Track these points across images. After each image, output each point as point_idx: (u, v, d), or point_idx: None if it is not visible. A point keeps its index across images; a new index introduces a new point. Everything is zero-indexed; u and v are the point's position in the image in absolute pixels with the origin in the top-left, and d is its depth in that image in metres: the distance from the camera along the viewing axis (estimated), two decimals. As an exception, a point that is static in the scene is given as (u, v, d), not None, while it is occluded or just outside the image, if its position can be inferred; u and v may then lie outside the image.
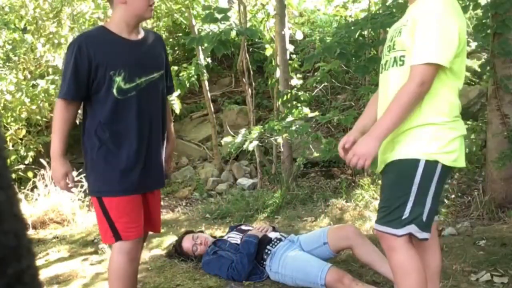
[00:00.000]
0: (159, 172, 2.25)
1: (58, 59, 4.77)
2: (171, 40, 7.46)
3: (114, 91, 2.03)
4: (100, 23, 4.90)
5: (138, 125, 2.09)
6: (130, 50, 2.09)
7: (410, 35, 1.79)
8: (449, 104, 1.82)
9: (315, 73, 5.90)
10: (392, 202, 1.83)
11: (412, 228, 1.79)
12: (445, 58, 1.73)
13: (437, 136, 1.79)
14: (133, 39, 2.11)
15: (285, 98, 4.62)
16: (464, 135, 1.89)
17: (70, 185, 2.09)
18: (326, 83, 6.17)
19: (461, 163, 1.87)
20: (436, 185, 1.81)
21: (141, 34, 2.16)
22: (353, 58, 3.80)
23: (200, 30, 6.21)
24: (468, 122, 5.08)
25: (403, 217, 1.79)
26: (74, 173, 2.18)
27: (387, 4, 4.00)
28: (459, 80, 1.86)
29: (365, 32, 4.66)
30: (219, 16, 3.55)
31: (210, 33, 3.75)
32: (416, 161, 1.78)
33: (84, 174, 2.29)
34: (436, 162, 1.78)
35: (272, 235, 2.95)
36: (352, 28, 3.71)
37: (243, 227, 3.23)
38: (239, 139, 4.60)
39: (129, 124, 2.08)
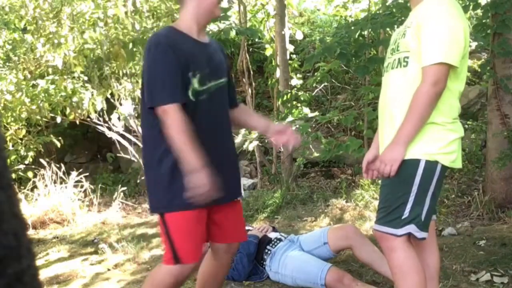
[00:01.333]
0: (232, 183, 2.06)
1: (58, 59, 4.77)
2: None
3: (190, 93, 1.88)
4: (100, 23, 4.90)
5: (209, 131, 1.94)
6: (202, 52, 1.97)
7: (416, 37, 1.80)
8: (450, 105, 1.83)
9: (315, 73, 5.90)
10: (392, 202, 1.84)
11: (411, 228, 1.80)
12: (455, 58, 1.75)
13: (437, 137, 1.80)
14: (202, 41, 1.99)
15: (285, 98, 4.62)
16: (462, 137, 1.90)
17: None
18: (326, 83, 6.17)
19: (459, 164, 1.89)
20: (435, 185, 1.82)
21: (206, 38, 2.05)
22: (353, 58, 3.80)
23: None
24: (468, 122, 5.08)
25: (403, 217, 1.80)
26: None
27: (387, 4, 4.00)
28: (461, 82, 1.87)
29: (365, 32, 4.66)
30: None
31: (210, 33, 3.75)
32: (417, 161, 1.79)
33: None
34: (436, 162, 1.79)
35: (272, 235, 2.95)
36: (352, 28, 3.72)
37: (243, 227, 3.23)
38: (239, 139, 4.60)
39: (201, 130, 1.89)
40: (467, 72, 1.92)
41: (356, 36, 3.80)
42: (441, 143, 1.80)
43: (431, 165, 1.79)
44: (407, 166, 1.80)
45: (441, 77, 1.73)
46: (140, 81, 5.14)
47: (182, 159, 1.80)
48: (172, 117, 1.81)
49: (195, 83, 1.90)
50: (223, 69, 2.07)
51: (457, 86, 1.85)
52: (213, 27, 4.00)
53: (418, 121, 1.77)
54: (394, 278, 1.88)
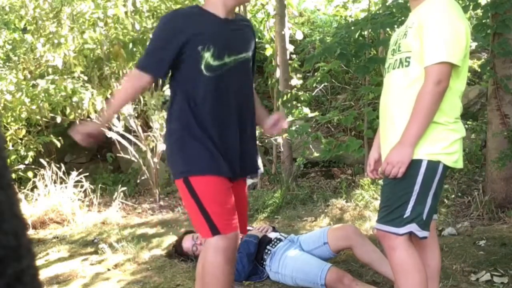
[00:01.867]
0: (250, 160, 2.06)
1: (58, 59, 4.77)
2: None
3: (202, 67, 1.90)
4: (100, 23, 4.90)
5: (229, 105, 1.95)
6: (222, 27, 1.95)
7: (417, 37, 1.80)
8: (452, 105, 1.84)
9: (315, 73, 5.90)
10: (394, 201, 1.85)
11: (413, 227, 1.81)
12: (458, 57, 1.75)
13: (440, 137, 1.81)
14: (228, 18, 1.99)
15: (285, 98, 4.62)
16: (463, 137, 1.91)
17: None
18: (326, 83, 6.17)
19: (461, 164, 1.90)
20: (437, 185, 1.83)
21: (233, 16, 2.05)
22: (353, 59, 3.80)
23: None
24: (468, 122, 5.08)
25: (405, 216, 1.81)
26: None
27: (387, 4, 4.00)
28: (462, 81, 1.88)
29: (365, 32, 4.66)
30: None
31: None
32: (419, 161, 1.80)
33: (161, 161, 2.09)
34: (439, 162, 1.80)
35: (272, 235, 2.95)
36: (352, 28, 3.72)
37: (243, 227, 3.23)
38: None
39: (220, 104, 1.93)
40: (467, 72, 1.93)
41: (356, 36, 3.81)
42: (444, 143, 1.81)
43: (433, 165, 1.80)
44: (409, 166, 1.81)
45: (444, 76, 1.74)
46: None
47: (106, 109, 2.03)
48: (131, 80, 1.99)
49: (208, 57, 1.89)
50: (247, 45, 2.05)
51: (459, 86, 1.86)
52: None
53: (423, 121, 1.77)
54: (395, 277, 1.89)
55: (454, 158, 1.83)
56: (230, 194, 1.92)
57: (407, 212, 1.80)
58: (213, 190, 1.87)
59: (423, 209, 1.81)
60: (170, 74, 2.00)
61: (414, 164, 1.80)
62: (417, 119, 1.77)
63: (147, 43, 1.98)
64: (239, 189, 2.07)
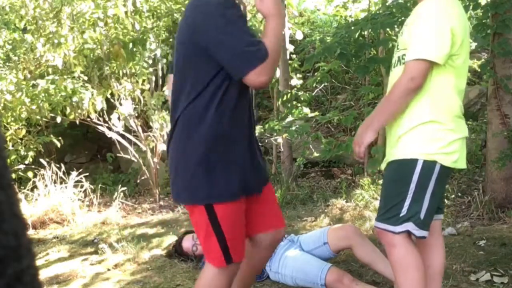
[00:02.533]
0: (264, 167, 1.92)
1: (58, 59, 4.77)
2: (171, 40, 7.46)
3: None
4: (100, 23, 4.90)
5: (246, 114, 1.76)
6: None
7: (410, 35, 1.84)
8: (449, 103, 1.84)
9: (315, 73, 5.90)
10: (391, 199, 1.87)
11: (409, 226, 1.81)
12: (435, 55, 1.76)
13: (437, 137, 1.81)
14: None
15: (285, 98, 4.62)
16: (465, 137, 1.91)
17: None
18: (326, 83, 6.17)
19: (462, 164, 1.90)
20: (435, 184, 1.82)
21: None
22: (353, 59, 3.80)
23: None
24: (468, 122, 5.08)
25: (401, 215, 1.82)
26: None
27: (387, 4, 4.00)
28: (461, 79, 1.88)
29: (365, 32, 4.66)
30: None
31: None
32: (414, 161, 1.81)
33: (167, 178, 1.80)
34: (435, 162, 1.80)
35: (272, 235, 2.95)
36: (352, 28, 3.72)
37: (243, 227, 3.23)
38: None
39: (243, 114, 1.73)
40: (467, 71, 1.93)
41: (356, 36, 3.81)
42: (441, 143, 1.81)
43: (429, 164, 1.80)
44: (405, 165, 1.83)
45: (418, 73, 1.76)
46: (140, 80, 5.17)
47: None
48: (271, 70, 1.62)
49: None
50: None
51: (458, 83, 1.86)
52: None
53: (388, 112, 1.86)
54: (394, 274, 1.90)
55: (453, 158, 1.83)
56: (244, 216, 1.78)
57: (403, 211, 1.82)
58: (234, 216, 1.72)
59: (420, 208, 1.82)
60: (193, 75, 1.69)
61: (410, 163, 1.81)
62: (384, 108, 1.87)
63: (225, 40, 1.59)
64: (270, 193, 1.94)
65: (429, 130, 1.81)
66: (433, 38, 1.76)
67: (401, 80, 1.79)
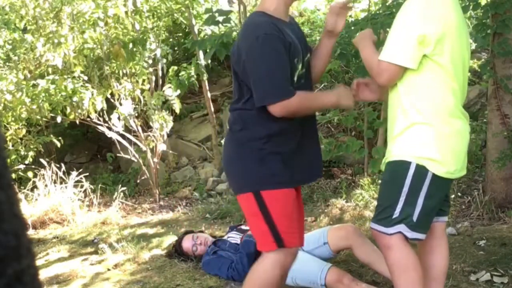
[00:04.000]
0: (319, 161, 2.01)
1: (57, 58, 4.76)
2: (171, 40, 7.47)
3: (295, 78, 1.83)
4: (100, 23, 4.90)
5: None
6: (295, 34, 1.86)
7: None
8: (439, 102, 1.82)
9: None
10: (384, 201, 1.87)
11: (401, 228, 1.81)
12: (400, 57, 1.78)
13: (427, 142, 1.79)
14: (289, 21, 1.89)
15: (285, 98, 4.60)
16: (465, 138, 1.89)
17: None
18: (326, 83, 6.17)
19: (460, 171, 1.88)
20: (429, 187, 1.80)
21: (287, 17, 1.92)
22: (353, 59, 3.80)
23: (200, 30, 6.22)
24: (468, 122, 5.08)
25: (393, 216, 1.82)
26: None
27: (387, 4, 4.00)
28: (453, 77, 1.85)
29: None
30: (220, 18, 3.55)
31: (212, 36, 3.75)
32: (408, 163, 1.80)
33: (222, 171, 1.95)
34: (426, 168, 1.79)
35: (272, 235, 2.95)
36: (352, 28, 3.71)
37: (243, 227, 3.23)
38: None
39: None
40: (459, 69, 1.89)
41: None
42: (431, 149, 1.79)
43: (421, 168, 1.79)
44: (399, 167, 1.82)
45: (385, 74, 1.82)
46: (140, 80, 5.17)
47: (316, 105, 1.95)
48: (289, 110, 1.76)
49: (300, 68, 1.84)
50: (306, 43, 2.00)
51: (449, 81, 1.84)
52: (213, 27, 4.00)
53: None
54: (391, 275, 1.89)
55: (448, 168, 1.81)
56: (296, 205, 1.89)
57: (396, 213, 1.82)
58: (284, 203, 1.81)
59: (412, 210, 1.80)
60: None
61: (403, 166, 1.80)
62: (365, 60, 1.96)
63: (257, 76, 1.76)
64: (298, 195, 2.02)
65: (423, 132, 1.79)
66: (398, 41, 1.80)
67: (372, 70, 1.88)
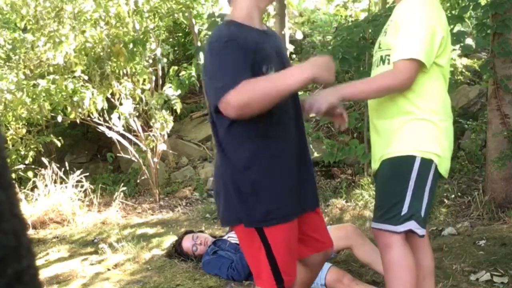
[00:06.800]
0: (314, 184, 1.82)
1: (59, 57, 4.76)
2: (171, 40, 7.47)
3: None
4: (101, 23, 4.90)
5: (292, 126, 1.68)
6: (269, 42, 1.68)
7: (394, 34, 1.81)
8: (442, 102, 1.83)
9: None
10: (390, 199, 1.83)
11: (412, 225, 1.78)
12: (427, 56, 1.73)
13: (432, 137, 1.80)
14: (263, 29, 1.70)
15: (285, 98, 4.61)
16: (451, 137, 1.89)
17: None
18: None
19: (445, 173, 1.88)
20: (432, 181, 1.81)
21: (263, 26, 1.74)
22: (353, 60, 3.80)
23: (200, 30, 6.22)
24: (468, 122, 5.08)
25: (402, 213, 1.78)
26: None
27: (388, 5, 4.00)
28: (446, 80, 1.87)
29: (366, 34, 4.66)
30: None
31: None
32: (413, 158, 1.78)
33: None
34: (431, 161, 1.79)
35: (272, 235, 2.95)
36: (354, 30, 3.72)
37: (243, 227, 3.23)
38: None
39: (286, 129, 1.65)
40: (466, 72, 1.92)
41: (358, 39, 3.80)
42: (435, 144, 1.80)
43: (426, 161, 1.79)
44: (403, 162, 1.80)
45: (411, 74, 1.73)
46: (141, 80, 5.17)
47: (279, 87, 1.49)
48: (239, 103, 1.46)
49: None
50: (286, 56, 1.84)
51: (444, 82, 1.85)
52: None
53: (365, 94, 1.82)
54: (386, 274, 1.85)
55: (444, 166, 1.83)
56: (297, 236, 1.71)
57: (405, 209, 1.78)
58: (287, 238, 1.63)
59: (420, 205, 1.79)
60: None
61: (408, 161, 1.79)
62: (361, 87, 1.80)
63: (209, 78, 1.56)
64: (318, 213, 1.88)
65: (423, 127, 1.79)
66: (424, 38, 1.73)
67: (388, 75, 1.76)
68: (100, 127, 5.16)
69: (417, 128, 1.80)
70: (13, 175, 5.00)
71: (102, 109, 4.99)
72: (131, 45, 4.95)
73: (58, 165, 4.99)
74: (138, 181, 5.79)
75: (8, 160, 4.77)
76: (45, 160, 5.06)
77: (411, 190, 1.78)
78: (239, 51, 1.52)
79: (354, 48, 3.73)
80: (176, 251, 3.21)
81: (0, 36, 5.50)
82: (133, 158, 5.32)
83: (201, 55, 5.63)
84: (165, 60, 5.70)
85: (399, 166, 1.81)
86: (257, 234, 1.60)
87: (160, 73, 6.14)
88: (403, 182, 1.79)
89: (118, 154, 5.73)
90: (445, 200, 4.03)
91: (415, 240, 1.92)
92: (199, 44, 5.86)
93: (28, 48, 5.13)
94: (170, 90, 5.33)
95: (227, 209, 1.63)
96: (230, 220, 1.68)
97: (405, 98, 1.81)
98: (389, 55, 1.83)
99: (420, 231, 1.79)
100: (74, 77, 4.99)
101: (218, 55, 1.54)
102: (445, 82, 1.86)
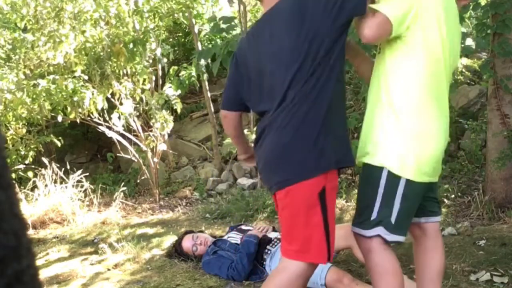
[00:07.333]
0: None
1: (59, 56, 4.76)
2: (171, 40, 7.47)
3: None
4: (101, 23, 4.90)
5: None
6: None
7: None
8: (418, 85, 1.74)
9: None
10: (362, 203, 1.84)
11: (380, 230, 1.76)
12: (392, 12, 1.68)
13: (403, 146, 1.74)
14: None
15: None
16: (442, 141, 1.81)
17: None
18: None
19: (429, 178, 1.81)
20: (404, 191, 1.75)
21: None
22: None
23: (200, 30, 6.22)
24: (468, 122, 5.08)
25: (371, 218, 1.78)
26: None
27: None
28: (434, 59, 1.76)
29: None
30: (224, 26, 3.56)
31: (217, 46, 3.75)
32: (380, 171, 1.76)
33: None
34: (399, 177, 1.75)
35: (272, 235, 2.95)
36: (354, 31, 3.71)
37: (243, 227, 3.23)
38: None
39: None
40: (466, 72, 1.89)
41: (358, 39, 3.80)
42: (407, 158, 1.73)
43: (393, 177, 1.75)
44: (373, 171, 1.78)
45: (372, 24, 1.70)
46: (141, 80, 5.17)
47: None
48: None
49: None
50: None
51: (428, 63, 1.74)
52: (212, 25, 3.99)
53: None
54: (372, 280, 1.85)
55: (423, 170, 1.76)
56: None
57: (374, 215, 1.77)
58: (335, 200, 1.71)
59: (390, 212, 1.75)
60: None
61: (377, 171, 1.76)
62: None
63: None
64: None
65: (393, 133, 1.74)
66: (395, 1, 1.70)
67: (362, 21, 1.73)
68: (100, 127, 5.16)
69: (389, 135, 1.75)
70: (13, 175, 5.00)
71: (102, 109, 4.99)
72: (131, 45, 4.95)
73: (58, 165, 4.99)
74: (138, 181, 5.79)
75: (8, 160, 4.77)
76: (45, 160, 5.06)
77: (380, 197, 1.76)
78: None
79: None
80: (176, 251, 3.21)
81: (0, 36, 5.50)
82: (133, 158, 5.32)
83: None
84: (165, 60, 5.70)
85: (370, 173, 1.79)
86: (318, 198, 1.65)
87: (160, 73, 6.14)
88: (373, 188, 1.77)
89: (118, 154, 5.73)
90: (445, 200, 4.03)
91: (426, 241, 1.91)
92: (199, 44, 5.86)
93: (28, 48, 5.12)
94: (170, 90, 5.33)
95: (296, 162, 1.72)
96: (290, 178, 1.71)
97: (383, 87, 1.77)
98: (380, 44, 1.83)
99: (389, 237, 1.76)
100: (74, 77, 4.99)
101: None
102: (431, 62, 1.75)
